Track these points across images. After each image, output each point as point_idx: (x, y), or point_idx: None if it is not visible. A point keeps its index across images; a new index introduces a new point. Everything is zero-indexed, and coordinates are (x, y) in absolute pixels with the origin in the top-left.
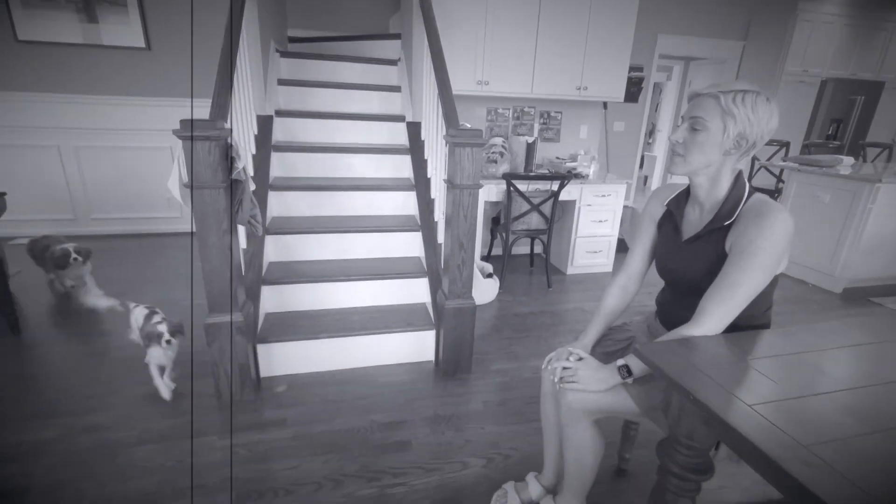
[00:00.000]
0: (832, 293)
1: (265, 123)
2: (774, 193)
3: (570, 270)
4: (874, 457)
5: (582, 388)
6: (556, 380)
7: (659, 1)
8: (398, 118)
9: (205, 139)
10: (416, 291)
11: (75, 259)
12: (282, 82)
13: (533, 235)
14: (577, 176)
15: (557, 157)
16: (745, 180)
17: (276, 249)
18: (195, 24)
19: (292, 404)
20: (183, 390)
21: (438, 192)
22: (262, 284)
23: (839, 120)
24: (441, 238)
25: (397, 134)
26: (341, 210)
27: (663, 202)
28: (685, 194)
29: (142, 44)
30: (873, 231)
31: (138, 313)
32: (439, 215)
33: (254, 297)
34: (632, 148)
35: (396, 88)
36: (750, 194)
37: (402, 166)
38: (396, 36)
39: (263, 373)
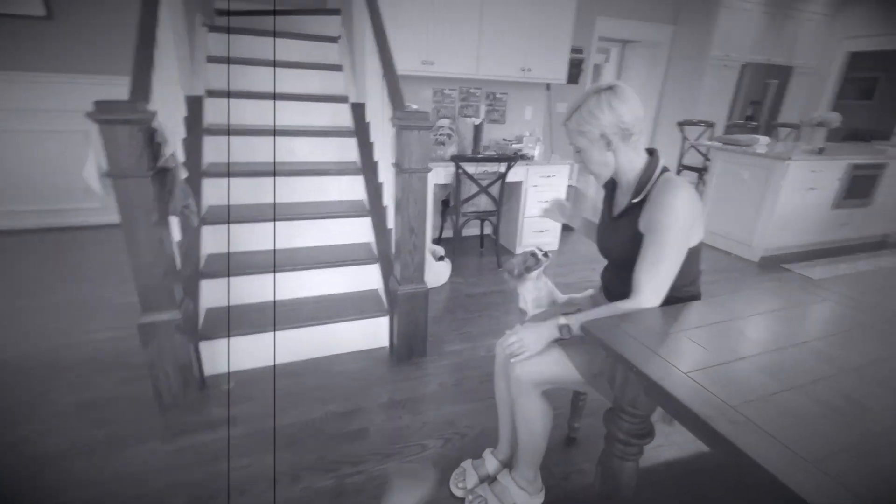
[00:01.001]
0: (751, 262)
1: (195, 105)
2: (703, 171)
3: (519, 250)
4: (790, 410)
5: (528, 352)
6: (507, 354)
7: None
8: (341, 99)
9: (125, 123)
10: (368, 278)
11: None
12: (211, 59)
13: (482, 217)
14: (524, 157)
15: (504, 139)
16: (658, 160)
17: (215, 241)
18: None
19: (242, 401)
20: (116, 394)
21: (386, 175)
22: (201, 278)
23: (757, 102)
24: (391, 223)
25: (341, 115)
26: (285, 196)
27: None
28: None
29: (41, 11)
30: (784, 204)
31: None
32: (388, 200)
33: (192, 293)
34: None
35: (338, 67)
36: (661, 174)
37: (347, 149)
38: (336, 11)
39: (208, 371)
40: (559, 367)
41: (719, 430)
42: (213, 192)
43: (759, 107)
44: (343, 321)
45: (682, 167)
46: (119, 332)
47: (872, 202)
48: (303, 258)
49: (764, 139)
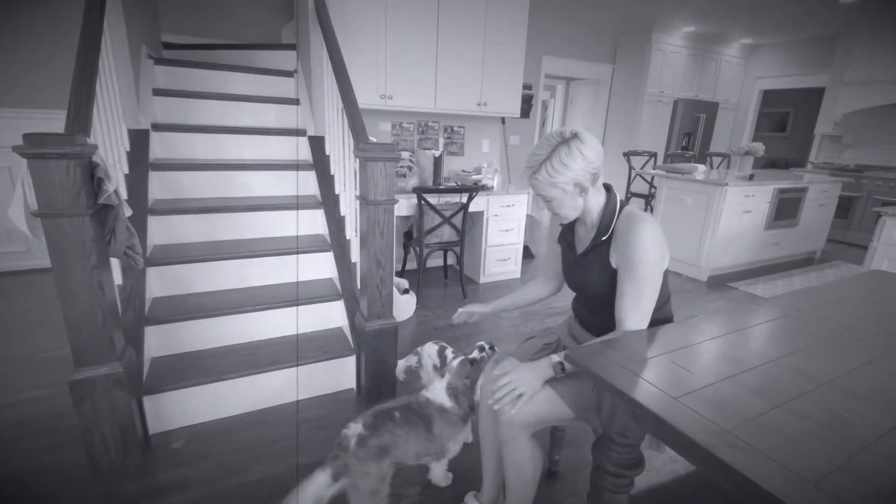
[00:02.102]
0: (700, 282)
1: (140, 138)
2: (649, 198)
3: (483, 279)
4: (780, 430)
5: (527, 393)
6: (495, 405)
7: (543, 24)
8: (299, 132)
9: (61, 157)
10: (332, 316)
11: None
12: (158, 92)
13: (446, 248)
14: (483, 188)
15: (463, 170)
16: (616, 195)
17: (162, 283)
18: (38, 18)
19: (195, 460)
20: (45, 464)
21: (349, 208)
22: (146, 325)
23: (689, 133)
24: (355, 257)
25: (299, 149)
26: (240, 233)
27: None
28: None
29: None
30: (725, 226)
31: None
32: (351, 233)
33: (135, 342)
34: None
35: (295, 101)
36: (621, 208)
37: (306, 183)
38: (291, 46)
39: (154, 429)
40: (550, 405)
41: (724, 459)
42: (161, 231)
43: (692, 138)
44: (306, 363)
45: (631, 194)
46: (48, 390)
47: (798, 223)
48: (260, 298)
49: (701, 167)
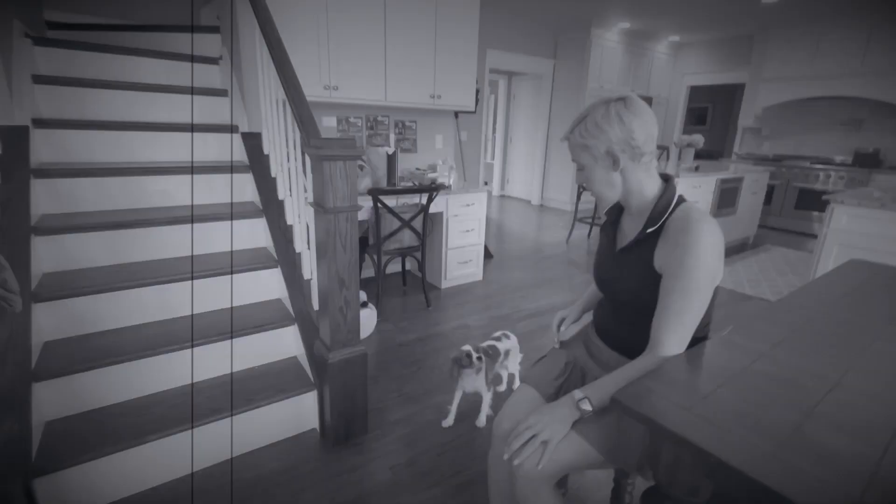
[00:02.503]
0: None
1: (15, 137)
2: None
3: (445, 284)
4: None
5: (553, 440)
6: (515, 460)
7: (486, 17)
8: (229, 128)
9: None
10: (284, 343)
11: None
12: (40, 80)
13: (406, 253)
14: (442, 187)
15: (417, 168)
16: (675, 188)
17: (55, 322)
18: None
19: None
20: None
21: (296, 216)
22: (35, 381)
23: None
24: (308, 273)
25: (233, 148)
26: (160, 252)
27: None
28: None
29: None
30: None
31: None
32: (302, 245)
33: (18, 407)
34: (476, 156)
35: (221, 92)
36: (678, 203)
37: (242, 188)
38: (214, 29)
39: None
40: (574, 451)
41: None
42: (51, 255)
43: None
44: (256, 407)
45: (583, 188)
46: None
47: (736, 211)
48: (187, 331)
49: None
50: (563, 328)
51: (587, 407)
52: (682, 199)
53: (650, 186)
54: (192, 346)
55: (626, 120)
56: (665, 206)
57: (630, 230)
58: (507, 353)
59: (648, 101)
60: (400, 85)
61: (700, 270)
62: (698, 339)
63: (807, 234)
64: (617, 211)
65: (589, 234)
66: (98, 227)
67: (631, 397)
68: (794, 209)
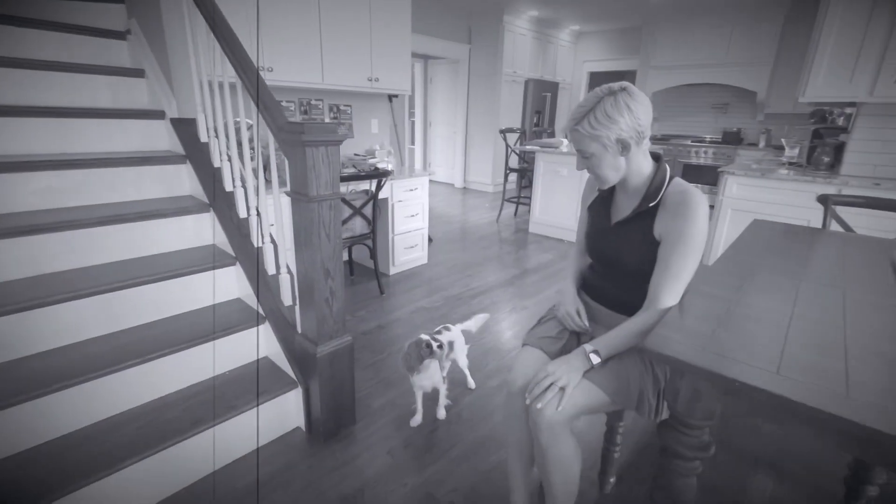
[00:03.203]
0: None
1: None
2: (526, 171)
3: (393, 270)
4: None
5: (570, 386)
6: (538, 404)
7: None
8: (153, 114)
9: None
10: (252, 345)
11: None
12: None
13: (358, 241)
14: (387, 173)
15: (356, 154)
16: (666, 166)
17: None
18: None
19: None
20: None
21: (253, 209)
22: None
23: (539, 111)
24: (273, 269)
25: (158, 136)
26: (89, 257)
27: (595, 188)
28: None
29: None
30: None
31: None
32: (264, 239)
33: None
34: (402, 141)
35: (135, 72)
36: (671, 178)
37: (177, 180)
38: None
39: None
40: (587, 395)
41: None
42: None
43: (541, 115)
44: (235, 415)
45: (510, 170)
46: None
47: None
48: (148, 343)
49: (565, 141)
50: (583, 315)
51: (597, 358)
52: (673, 175)
53: (646, 166)
54: (155, 359)
55: (633, 108)
56: (661, 181)
57: (625, 205)
58: (451, 343)
59: (556, 85)
60: (337, 68)
61: (697, 237)
62: None
63: None
64: (609, 189)
65: (515, 213)
66: (5, 234)
67: (656, 346)
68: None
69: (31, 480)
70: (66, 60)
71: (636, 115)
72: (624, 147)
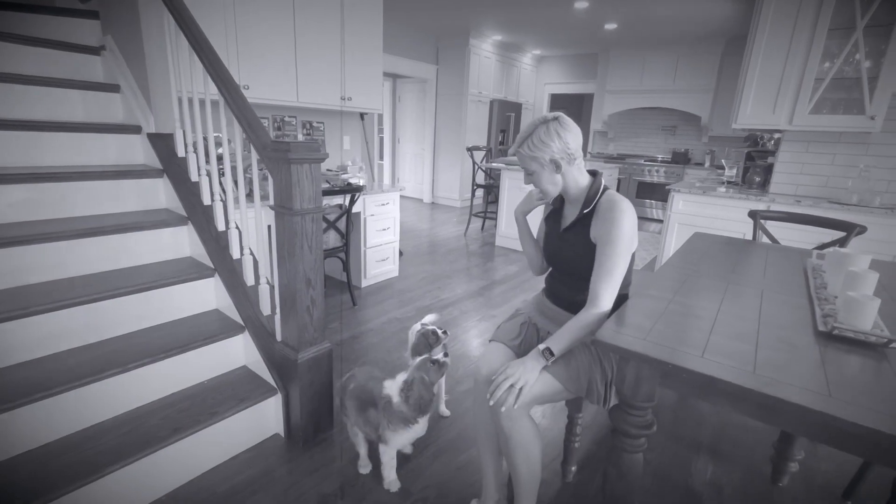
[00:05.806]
0: None
1: None
2: (492, 188)
3: (365, 283)
4: (773, 360)
5: (527, 385)
6: (499, 406)
7: None
8: (129, 129)
9: None
10: (230, 354)
11: None
12: None
13: (331, 255)
14: (360, 188)
15: (328, 170)
16: (601, 180)
17: None
18: None
19: None
20: None
21: (232, 222)
22: None
23: (504, 130)
24: (252, 279)
25: (133, 151)
26: (70, 269)
27: (530, 200)
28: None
29: None
30: None
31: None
32: (245, 251)
33: None
34: (372, 157)
35: (110, 87)
36: (603, 191)
37: (154, 194)
38: (90, 14)
39: None
40: (545, 386)
41: (779, 396)
42: None
43: (506, 134)
44: (222, 418)
45: (476, 186)
46: None
47: None
48: (130, 351)
49: None
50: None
51: (550, 355)
52: (606, 187)
53: (582, 180)
54: (138, 367)
55: (562, 135)
56: (595, 192)
57: (570, 214)
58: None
59: (519, 106)
60: (311, 86)
61: (624, 238)
62: (622, 296)
63: (648, 218)
64: (559, 201)
65: (482, 227)
66: None
67: (607, 338)
68: (636, 198)
69: (15, 488)
70: (40, 74)
71: (565, 140)
72: (557, 166)
